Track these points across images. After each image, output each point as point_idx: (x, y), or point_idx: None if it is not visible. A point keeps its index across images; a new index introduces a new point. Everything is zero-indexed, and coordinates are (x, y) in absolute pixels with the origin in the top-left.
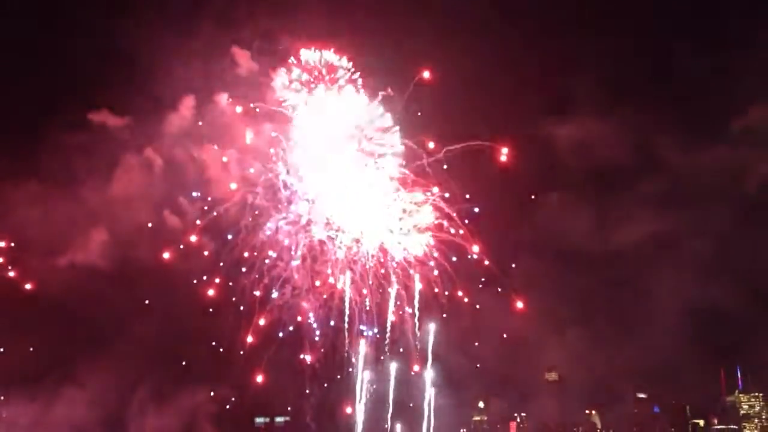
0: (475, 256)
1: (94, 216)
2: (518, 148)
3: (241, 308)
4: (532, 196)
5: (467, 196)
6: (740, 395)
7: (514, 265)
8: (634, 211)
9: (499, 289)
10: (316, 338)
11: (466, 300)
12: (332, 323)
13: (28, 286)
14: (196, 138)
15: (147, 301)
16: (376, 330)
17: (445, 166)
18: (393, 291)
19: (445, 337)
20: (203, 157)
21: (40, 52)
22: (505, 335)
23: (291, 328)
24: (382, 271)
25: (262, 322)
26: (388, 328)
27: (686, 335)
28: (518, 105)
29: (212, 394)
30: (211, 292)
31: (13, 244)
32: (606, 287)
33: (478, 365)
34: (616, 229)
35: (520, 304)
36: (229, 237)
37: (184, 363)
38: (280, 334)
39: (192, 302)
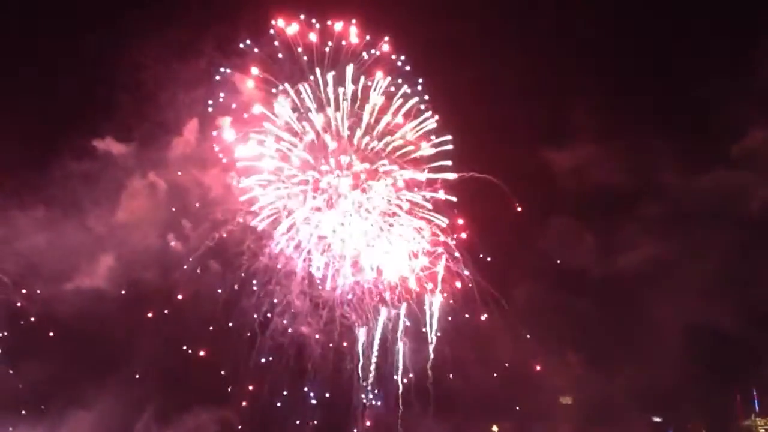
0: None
1: (99, 241)
2: (515, 175)
3: (248, 334)
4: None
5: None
6: (756, 419)
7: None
8: (635, 235)
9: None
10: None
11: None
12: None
13: (32, 319)
14: (198, 162)
15: (152, 324)
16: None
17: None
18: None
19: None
20: (206, 180)
21: (45, 82)
22: (506, 363)
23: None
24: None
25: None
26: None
27: (698, 358)
28: (514, 132)
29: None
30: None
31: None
32: (611, 310)
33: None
34: (619, 252)
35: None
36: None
37: (188, 385)
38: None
39: (196, 325)
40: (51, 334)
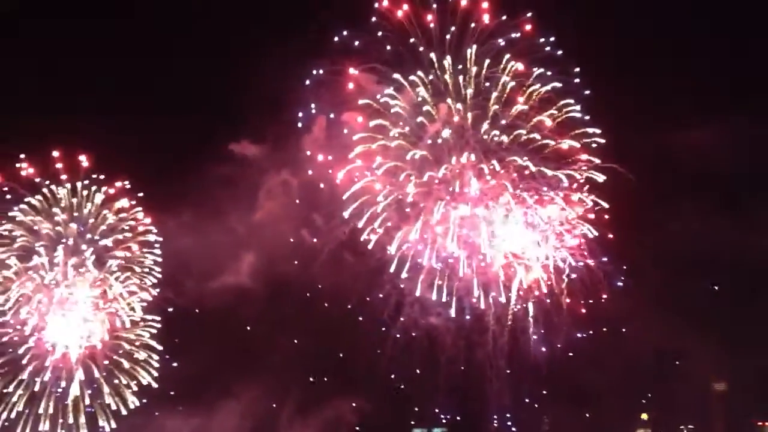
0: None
1: (241, 240)
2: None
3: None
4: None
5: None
6: None
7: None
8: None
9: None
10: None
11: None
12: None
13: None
14: (326, 158)
15: (292, 318)
16: None
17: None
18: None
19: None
20: (336, 175)
21: (180, 97)
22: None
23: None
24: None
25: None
26: None
27: None
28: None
29: (354, 405)
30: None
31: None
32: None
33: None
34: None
35: None
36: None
37: (327, 376)
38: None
39: (334, 316)
40: (201, 328)
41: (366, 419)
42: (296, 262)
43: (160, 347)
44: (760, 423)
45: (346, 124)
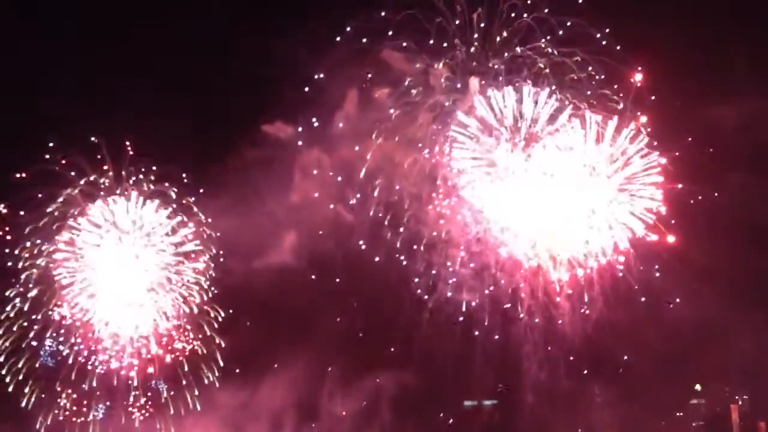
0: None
1: (279, 220)
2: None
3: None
4: None
5: None
6: None
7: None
8: None
9: None
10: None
11: None
12: None
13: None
14: (359, 134)
15: (333, 294)
16: None
17: None
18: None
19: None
20: (368, 151)
21: (208, 81)
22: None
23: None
24: None
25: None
26: None
27: None
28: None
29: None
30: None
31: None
32: None
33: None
34: None
35: None
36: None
37: (367, 350)
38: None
39: (376, 291)
40: (246, 308)
41: (412, 392)
42: (335, 239)
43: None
44: None
45: (376, 100)
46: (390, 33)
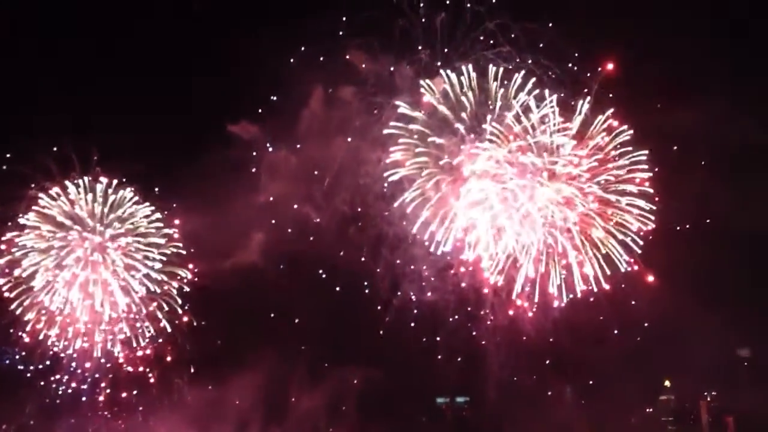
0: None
1: (246, 220)
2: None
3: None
4: None
5: None
6: None
7: None
8: None
9: None
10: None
11: None
12: None
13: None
14: (325, 134)
15: (301, 294)
16: None
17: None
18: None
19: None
20: (334, 151)
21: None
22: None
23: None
24: None
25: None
26: None
27: None
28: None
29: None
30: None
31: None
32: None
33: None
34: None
35: None
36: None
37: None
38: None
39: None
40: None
41: (382, 391)
42: (302, 239)
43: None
44: None
45: (342, 99)
46: (354, 34)
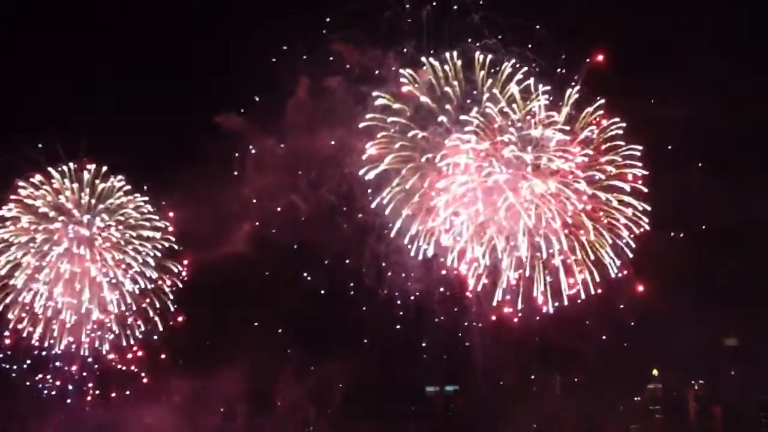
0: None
1: (233, 210)
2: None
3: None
4: None
5: None
6: None
7: None
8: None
9: None
10: None
11: None
12: None
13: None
14: (312, 124)
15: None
16: None
17: None
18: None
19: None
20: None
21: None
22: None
23: None
24: None
25: None
26: None
27: None
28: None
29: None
30: None
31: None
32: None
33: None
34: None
35: None
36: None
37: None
38: None
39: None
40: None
41: (372, 380)
42: (289, 229)
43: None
44: None
45: (328, 91)
46: (341, 26)
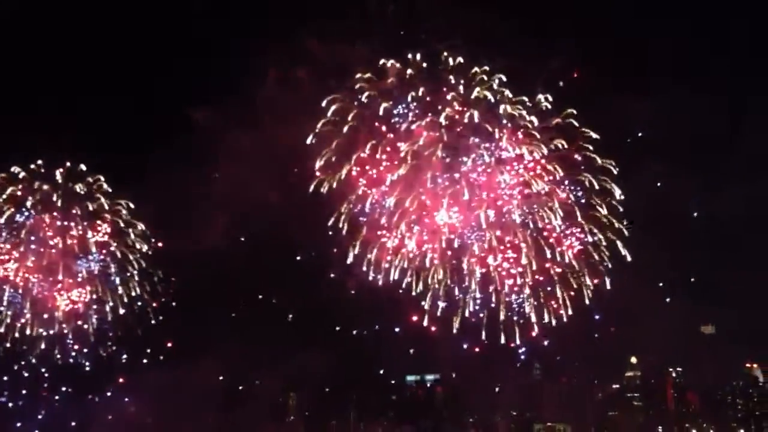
0: None
1: (212, 202)
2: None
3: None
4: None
5: None
6: None
7: None
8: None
9: None
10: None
11: None
12: None
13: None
14: (284, 116)
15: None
16: None
17: None
18: None
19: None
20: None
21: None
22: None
23: None
24: None
25: None
26: None
27: None
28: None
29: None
30: None
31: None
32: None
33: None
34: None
35: None
36: None
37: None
38: None
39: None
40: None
41: (352, 371)
42: (263, 220)
43: None
44: (748, 365)
45: (298, 83)
46: (311, 19)
